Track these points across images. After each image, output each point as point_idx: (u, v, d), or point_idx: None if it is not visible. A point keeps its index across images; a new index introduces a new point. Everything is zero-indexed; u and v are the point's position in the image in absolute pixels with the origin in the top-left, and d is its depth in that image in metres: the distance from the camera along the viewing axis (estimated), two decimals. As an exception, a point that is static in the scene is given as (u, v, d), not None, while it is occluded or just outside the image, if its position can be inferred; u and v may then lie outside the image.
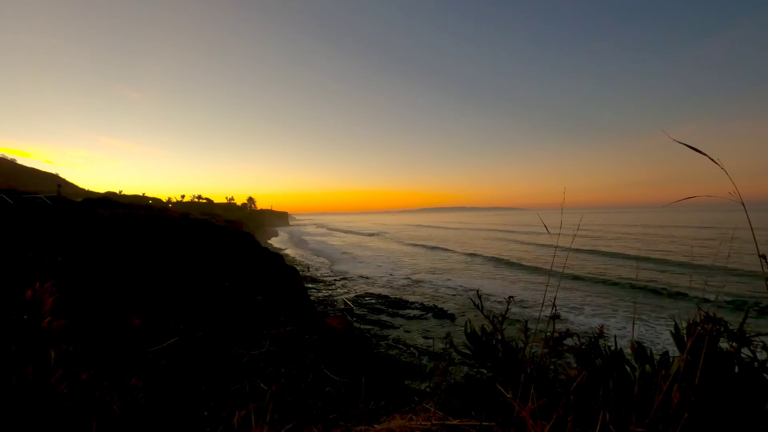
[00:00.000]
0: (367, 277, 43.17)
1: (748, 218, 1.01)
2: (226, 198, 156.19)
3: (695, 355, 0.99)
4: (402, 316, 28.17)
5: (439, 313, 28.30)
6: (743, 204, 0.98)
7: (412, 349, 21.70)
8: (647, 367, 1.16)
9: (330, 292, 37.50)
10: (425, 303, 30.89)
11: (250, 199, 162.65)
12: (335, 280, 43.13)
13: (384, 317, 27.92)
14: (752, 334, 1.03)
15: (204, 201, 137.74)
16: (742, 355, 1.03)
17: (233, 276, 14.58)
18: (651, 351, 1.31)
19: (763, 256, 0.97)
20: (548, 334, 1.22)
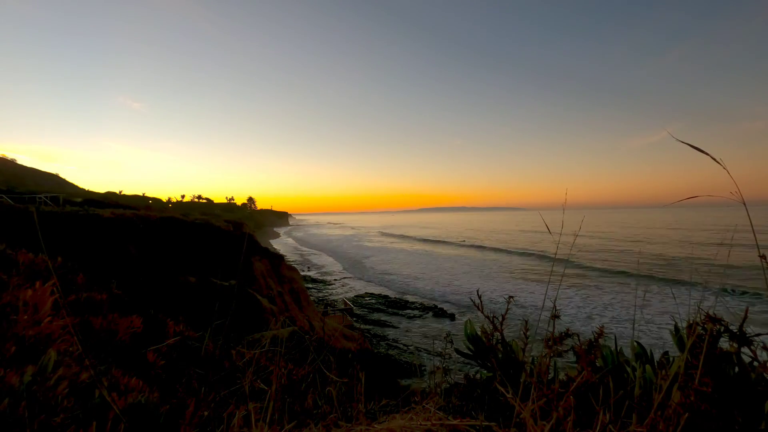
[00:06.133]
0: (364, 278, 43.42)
1: (750, 218, 1.01)
2: (226, 198, 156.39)
3: (695, 355, 0.99)
4: (402, 315, 28.15)
5: (439, 313, 28.30)
6: (744, 203, 0.98)
7: (412, 348, 21.68)
8: (647, 367, 1.16)
9: (330, 291, 37.50)
10: (425, 303, 30.87)
11: (250, 199, 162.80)
12: (335, 279, 43.17)
13: (384, 317, 27.91)
14: (752, 334, 1.03)
15: (204, 201, 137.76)
16: (743, 355, 1.03)
17: (233, 275, 14.57)
18: (651, 351, 1.31)
19: (763, 256, 0.97)
20: (548, 334, 1.22)
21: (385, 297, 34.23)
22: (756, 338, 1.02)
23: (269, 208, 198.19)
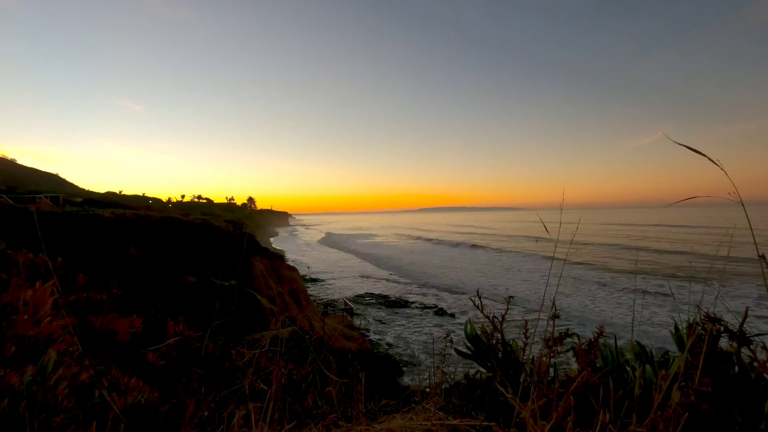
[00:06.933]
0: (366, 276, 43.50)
1: (748, 218, 1.01)
2: (226, 198, 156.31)
3: (695, 355, 0.99)
4: (402, 315, 28.19)
5: (439, 312, 28.33)
6: (743, 204, 0.98)
7: (412, 348, 21.70)
8: (647, 367, 1.16)
9: (330, 291, 37.55)
10: (425, 302, 30.89)
11: (250, 199, 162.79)
12: (335, 279, 43.31)
13: (384, 316, 27.93)
14: (752, 334, 1.03)
15: (204, 201, 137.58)
16: (743, 355, 1.03)
17: (233, 275, 14.58)
18: (651, 351, 1.31)
19: (762, 257, 0.97)
20: (548, 333, 1.22)
21: (386, 297, 34.26)
22: (756, 338, 1.02)
23: (269, 208, 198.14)
